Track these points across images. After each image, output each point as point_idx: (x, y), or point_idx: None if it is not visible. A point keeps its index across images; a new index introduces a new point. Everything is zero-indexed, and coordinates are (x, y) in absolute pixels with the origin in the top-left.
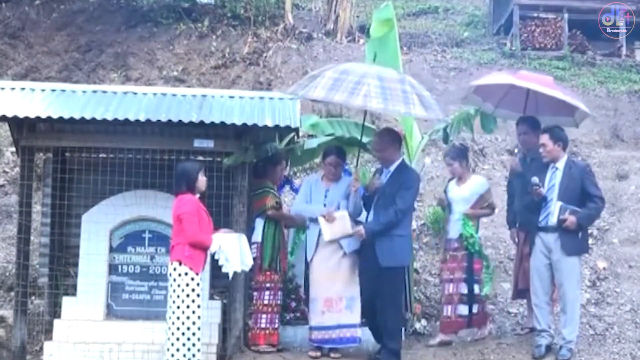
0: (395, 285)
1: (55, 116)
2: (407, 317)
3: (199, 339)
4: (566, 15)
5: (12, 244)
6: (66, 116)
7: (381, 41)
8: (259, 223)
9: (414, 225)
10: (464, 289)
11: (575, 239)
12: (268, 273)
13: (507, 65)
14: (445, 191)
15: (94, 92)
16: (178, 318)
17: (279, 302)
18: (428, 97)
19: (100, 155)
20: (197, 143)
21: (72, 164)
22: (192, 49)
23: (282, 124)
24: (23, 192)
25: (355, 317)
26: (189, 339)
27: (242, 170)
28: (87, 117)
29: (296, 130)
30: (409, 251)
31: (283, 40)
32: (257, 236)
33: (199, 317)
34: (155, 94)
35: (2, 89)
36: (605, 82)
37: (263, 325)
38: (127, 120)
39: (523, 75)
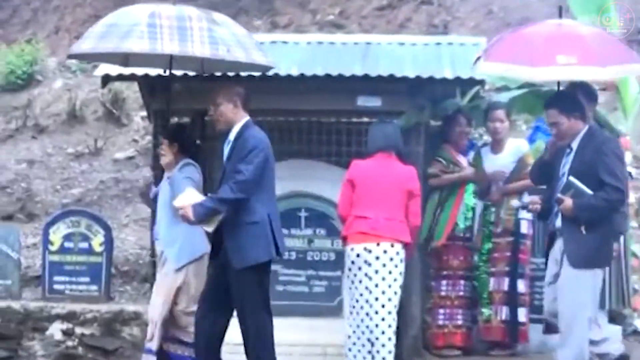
0: (253, 292)
1: (191, 73)
2: (626, 314)
3: None
4: None
5: (146, 226)
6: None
7: None
8: None
9: None
10: None
11: (584, 245)
12: (445, 258)
13: None
14: None
15: None
16: (394, 306)
17: (461, 293)
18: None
19: None
20: (362, 101)
21: (214, 129)
22: None
23: (464, 76)
24: (157, 165)
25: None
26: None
27: (416, 133)
28: (230, 73)
29: (481, 82)
30: (265, 244)
31: None
32: None
33: None
34: (309, 43)
35: None
36: None
37: (441, 323)
38: (276, 75)
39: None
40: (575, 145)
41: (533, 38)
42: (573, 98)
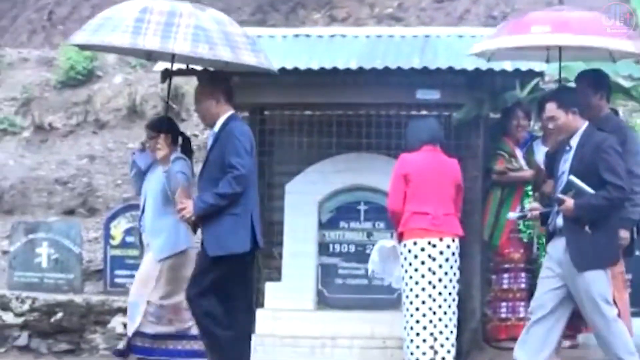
0: (212, 278)
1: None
2: None
3: None
4: None
5: None
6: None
7: None
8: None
9: None
10: None
11: (589, 246)
12: (507, 252)
13: None
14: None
15: (296, 36)
16: (454, 300)
17: (523, 286)
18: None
19: (306, 113)
20: (421, 94)
21: (273, 123)
22: None
23: (523, 68)
24: None
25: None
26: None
27: (475, 126)
28: (289, 67)
29: (541, 74)
30: (242, 236)
31: None
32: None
33: None
34: (367, 37)
35: None
36: None
37: (503, 316)
38: (335, 69)
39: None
40: (574, 143)
41: (520, 17)
42: (573, 94)
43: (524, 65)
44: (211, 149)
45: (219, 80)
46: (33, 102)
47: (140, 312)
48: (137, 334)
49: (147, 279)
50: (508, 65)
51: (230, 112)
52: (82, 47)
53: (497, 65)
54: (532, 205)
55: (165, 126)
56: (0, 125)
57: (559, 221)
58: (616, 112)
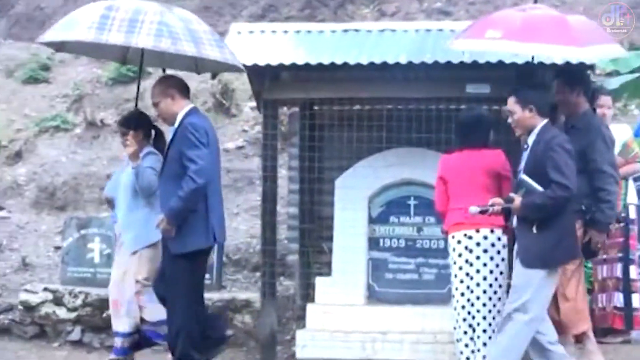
0: (184, 279)
1: (300, 62)
2: None
3: None
4: None
5: (256, 215)
6: (313, 62)
7: None
8: None
9: None
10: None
11: (536, 245)
12: None
13: None
14: None
15: (345, 31)
16: (495, 292)
17: None
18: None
19: (355, 108)
20: (471, 88)
21: (323, 118)
22: None
23: (574, 61)
24: (266, 155)
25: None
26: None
27: None
28: (338, 62)
29: (591, 67)
30: (203, 232)
31: None
32: None
33: None
34: (417, 31)
35: (239, 33)
36: None
37: None
38: (385, 64)
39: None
40: (531, 141)
41: (485, 17)
42: (534, 92)
43: (574, 59)
44: (170, 145)
45: (169, 77)
46: (85, 99)
47: (128, 307)
48: (144, 321)
49: (124, 272)
50: (558, 59)
51: (189, 106)
52: (51, 46)
53: (547, 59)
54: (494, 200)
55: (134, 122)
56: (52, 122)
57: (515, 221)
58: (594, 110)
